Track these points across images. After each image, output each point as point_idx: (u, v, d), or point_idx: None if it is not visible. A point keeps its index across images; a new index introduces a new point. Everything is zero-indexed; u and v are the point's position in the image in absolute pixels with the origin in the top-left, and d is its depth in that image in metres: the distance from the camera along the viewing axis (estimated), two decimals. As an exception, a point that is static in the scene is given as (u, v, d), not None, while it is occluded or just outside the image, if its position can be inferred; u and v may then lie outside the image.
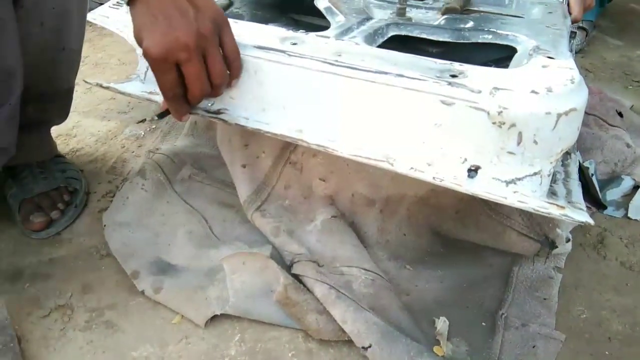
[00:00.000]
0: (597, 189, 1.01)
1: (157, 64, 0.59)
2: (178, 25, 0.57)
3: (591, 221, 0.55)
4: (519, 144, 0.56)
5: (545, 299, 0.82)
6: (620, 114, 1.22)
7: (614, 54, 1.73)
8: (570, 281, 0.86)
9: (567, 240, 0.86)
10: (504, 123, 0.55)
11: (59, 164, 1.02)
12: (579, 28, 1.69)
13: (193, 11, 0.58)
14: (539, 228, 0.85)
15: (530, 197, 0.57)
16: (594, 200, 1.01)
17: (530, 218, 0.85)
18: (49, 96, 0.93)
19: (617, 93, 1.42)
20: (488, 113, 0.55)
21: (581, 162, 1.03)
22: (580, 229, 0.95)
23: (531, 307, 0.80)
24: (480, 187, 0.57)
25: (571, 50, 1.04)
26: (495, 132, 0.56)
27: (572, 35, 1.12)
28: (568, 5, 1.08)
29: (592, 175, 1.00)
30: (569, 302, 0.83)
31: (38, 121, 0.95)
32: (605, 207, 1.00)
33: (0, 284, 0.83)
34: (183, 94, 0.63)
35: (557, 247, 0.84)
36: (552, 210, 0.55)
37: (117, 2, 0.86)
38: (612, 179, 1.06)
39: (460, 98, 0.57)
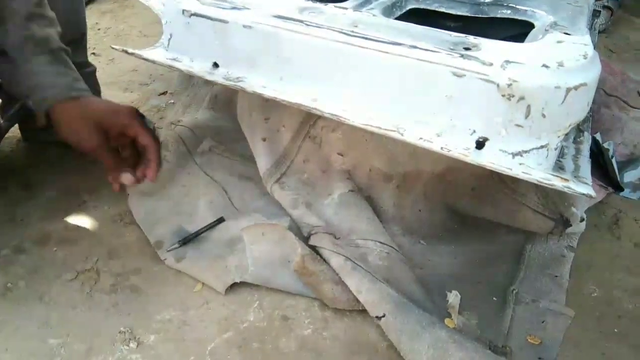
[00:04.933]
0: (616, 170, 1.01)
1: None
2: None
3: (593, 193, 0.57)
4: (527, 117, 0.57)
5: (556, 276, 0.83)
6: (643, 96, 1.20)
7: (639, 35, 1.70)
8: (584, 261, 0.87)
9: (582, 220, 0.86)
10: (513, 96, 0.56)
11: None
12: (604, 7, 1.66)
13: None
14: (554, 206, 0.86)
15: (535, 169, 0.58)
16: (611, 181, 1.01)
17: (546, 197, 0.86)
18: (78, 40, 1.02)
19: (640, 74, 1.40)
20: (498, 85, 0.56)
21: (601, 143, 1.03)
22: (595, 210, 0.96)
23: (542, 284, 0.82)
24: (486, 158, 0.59)
25: (594, 29, 1.03)
26: (504, 104, 0.57)
27: (597, 14, 1.11)
28: (594, -18, 1.06)
29: (612, 156, 1.00)
30: (581, 281, 0.84)
31: (80, 63, 1.02)
32: (622, 189, 1.01)
33: (30, 247, 0.87)
34: None
35: (571, 225, 0.85)
36: (555, 182, 0.57)
37: None
38: (631, 161, 1.06)
39: (471, 70, 0.58)
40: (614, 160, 0.99)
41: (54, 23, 0.74)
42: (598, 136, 1.04)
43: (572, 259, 0.86)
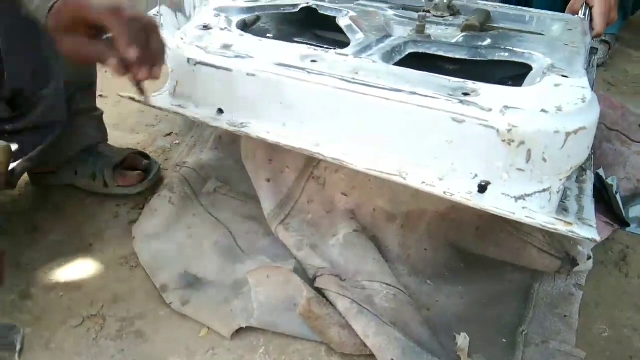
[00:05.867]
0: (620, 205, 1.01)
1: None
2: None
3: (597, 237, 0.57)
4: (528, 161, 0.57)
5: (565, 316, 0.82)
6: (644, 129, 1.21)
7: (638, 68, 1.72)
8: (592, 299, 0.86)
9: (589, 258, 0.86)
10: (513, 141, 0.57)
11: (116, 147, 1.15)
12: (602, 41, 1.68)
13: None
14: (560, 245, 0.85)
15: (538, 213, 0.58)
16: (616, 217, 1.01)
17: (552, 235, 0.86)
18: (88, 87, 1.05)
19: (640, 107, 1.41)
20: (498, 131, 0.57)
21: (604, 178, 1.03)
22: (602, 246, 0.96)
23: (551, 324, 0.81)
24: (489, 202, 0.59)
25: (592, 66, 1.05)
26: (504, 149, 0.58)
27: (594, 50, 1.13)
28: (591, 19, 1.08)
29: (616, 192, 1.00)
30: (590, 320, 0.83)
31: (88, 108, 1.07)
32: (628, 225, 1.00)
33: (36, 292, 0.87)
34: None
35: (578, 264, 0.85)
36: (559, 226, 0.57)
37: None
38: (635, 196, 1.06)
39: (471, 116, 0.59)
40: (618, 196, 0.99)
41: None
42: (601, 171, 1.04)
43: (581, 297, 0.85)
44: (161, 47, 0.70)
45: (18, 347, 0.51)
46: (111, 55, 0.66)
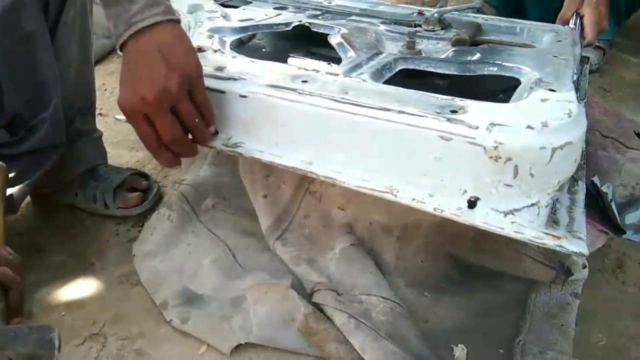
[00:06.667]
0: (616, 213, 1.01)
1: (128, 117, 0.67)
2: (145, 84, 0.64)
3: (586, 252, 0.58)
4: (515, 176, 0.58)
5: (562, 325, 0.83)
6: (639, 135, 1.22)
7: (633, 73, 1.73)
8: (588, 307, 0.87)
9: (584, 267, 0.86)
10: (500, 157, 0.58)
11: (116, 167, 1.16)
12: (596, 47, 1.69)
13: (165, 69, 0.64)
14: (554, 255, 0.86)
15: (527, 228, 0.59)
16: (612, 224, 1.01)
17: (546, 245, 0.87)
18: (87, 108, 1.06)
19: (636, 113, 1.42)
20: (484, 148, 0.58)
21: (599, 186, 1.03)
22: (598, 254, 0.96)
23: (548, 334, 0.81)
24: (479, 218, 0.60)
25: (584, 74, 1.06)
26: (492, 165, 0.59)
27: (585, 59, 1.14)
28: (582, 28, 1.09)
29: (611, 200, 1.00)
30: (587, 329, 0.83)
31: (88, 130, 1.08)
32: (624, 232, 1.01)
33: (38, 312, 0.88)
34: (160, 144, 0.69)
35: (573, 274, 0.85)
36: (547, 240, 0.58)
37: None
38: (631, 202, 1.06)
39: (458, 134, 0.60)
40: (613, 204, 1.00)
41: None
42: (596, 179, 1.05)
43: (578, 306, 0.85)
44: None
45: (57, 344, 0.54)
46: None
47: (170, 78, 0.64)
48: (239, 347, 0.80)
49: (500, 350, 0.80)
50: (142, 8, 0.65)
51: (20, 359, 0.54)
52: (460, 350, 0.78)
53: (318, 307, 0.81)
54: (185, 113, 0.67)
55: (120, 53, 0.68)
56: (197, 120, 0.69)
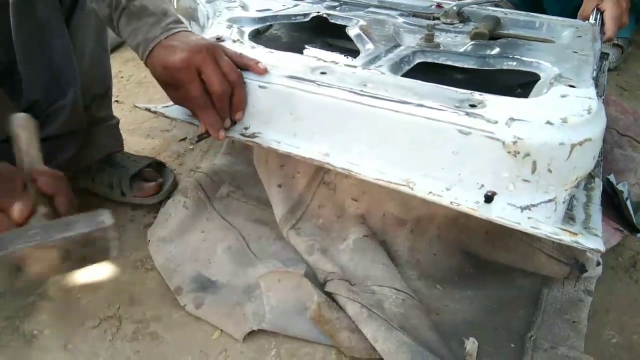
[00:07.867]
0: (631, 211, 1.01)
1: (183, 73, 0.70)
2: (192, 45, 0.71)
3: (602, 248, 0.57)
4: (533, 172, 0.58)
5: (574, 321, 0.83)
6: (656, 134, 1.20)
7: (652, 71, 1.71)
8: (601, 305, 0.86)
9: (598, 264, 0.86)
10: (518, 152, 0.58)
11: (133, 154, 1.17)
12: (614, 45, 1.67)
13: (199, 38, 0.74)
14: (569, 251, 0.86)
15: (543, 223, 0.59)
16: (627, 222, 1.00)
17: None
18: (103, 94, 1.07)
19: (654, 112, 1.40)
20: (503, 143, 0.58)
21: (615, 184, 1.03)
22: (612, 252, 0.96)
23: (560, 330, 0.81)
24: (495, 213, 0.60)
25: (603, 71, 1.05)
26: (510, 160, 0.59)
27: (605, 56, 1.13)
28: (602, 24, 1.08)
29: (627, 198, 1.00)
30: (600, 326, 0.83)
31: (104, 117, 1.09)
32: (638, 230, 1.00)
33: (54, 294, 0.90)
34: (212, 103, 0.73)
35: (587, 270, 0.85)
36: (563, 236, 0.58)
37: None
38: (646, 201, 1.06)
39: (477, 128, 0.60)
40: (628, 202, 0.99)
41: None
42: (612, 177, 1.04)
43: (590, 303, 0.85)
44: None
45: (108, 223, 0.55)
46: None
47: (207, 40, 0.73)
48: (251, 334, 0.81)
49: (512, 345, 0.80)
50: (175, 20, 0.75)
51: (78, 246, 0.55)
52: (471, 344, 0.78)
53: (331, 297, 0.82)
54: (227, 65, 0.72)
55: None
56: (236, 74, 0.74)
